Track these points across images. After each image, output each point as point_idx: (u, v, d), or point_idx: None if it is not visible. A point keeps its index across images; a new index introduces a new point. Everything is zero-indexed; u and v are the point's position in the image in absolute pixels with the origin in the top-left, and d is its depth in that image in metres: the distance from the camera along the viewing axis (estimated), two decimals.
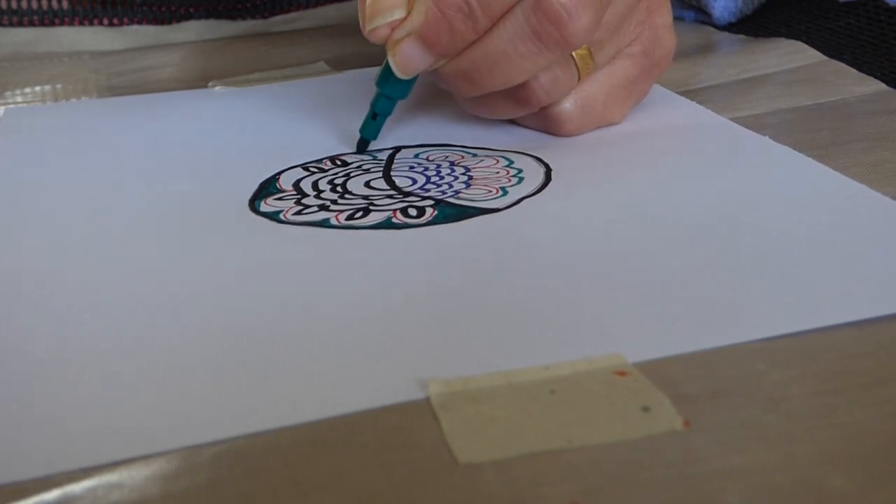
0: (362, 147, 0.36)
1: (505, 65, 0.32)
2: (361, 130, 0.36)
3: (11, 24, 0.57)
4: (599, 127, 0.37)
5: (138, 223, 0.31)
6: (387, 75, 0.34)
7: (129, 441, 0.20)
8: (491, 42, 0.31)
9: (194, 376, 0.22)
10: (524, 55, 0.31)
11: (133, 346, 0.24)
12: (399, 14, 0.32)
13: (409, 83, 0.34)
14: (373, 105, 0.36)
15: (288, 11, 0.60)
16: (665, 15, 0.37)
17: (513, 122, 0.38)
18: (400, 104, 0.36)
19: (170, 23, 0.58)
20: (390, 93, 0.35)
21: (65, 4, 0.58)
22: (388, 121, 0.36)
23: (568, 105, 0.35)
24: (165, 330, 0.25)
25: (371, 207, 0.31)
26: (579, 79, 0.34)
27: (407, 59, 0.32)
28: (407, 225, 0.30)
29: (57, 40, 0.57)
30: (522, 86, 0.33)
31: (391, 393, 0.21)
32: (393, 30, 0.32)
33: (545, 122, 0.36)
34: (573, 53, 0.33)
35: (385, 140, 0.37)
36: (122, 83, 0.50)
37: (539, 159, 0.35)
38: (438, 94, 0.41)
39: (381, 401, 0.21)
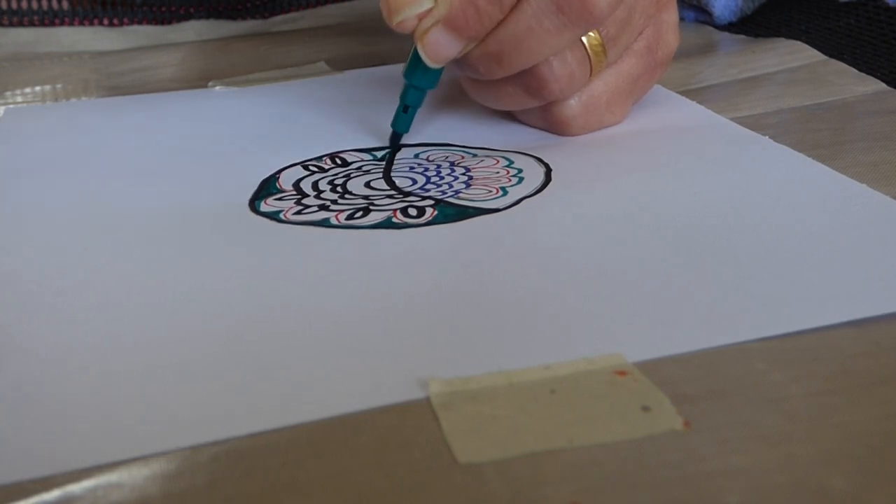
0: (395, 141, 0.36)
1: (531, 42, 0.32)
2: (393, 124, 0.36)
3: (11, 24, 0.57)
4: (602, 128, 0.37)
5: (138, 223, 0.31)
6: (415, 66, 0.34)
7: (129, 441, 0.20)
8: (516, 20, 0.32)
9: (194, 376, 0.22)
10: (549, 30, 0.32)
11: (133, 346, 0.24)
12: (427, 4, 0.32)
13: (437, 72, 0.34)
14: (402, 97, 0.36)
15: (288, 11, 0.60)
16: (672, 13, 0.37)
17: (516, 121, 0.38)
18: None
19: (170, 23, 0.58)
20: (419, 83, 0.35)
21: (65, 4, 0.58)
22: (388, 120, 0.36)
23: (572, 103, 0.35)
24: (165, 330, 0.25)
25: (371, 207, 0.31)
26: (590, 75, 0.34)
27: (436, 47, 0.33)
28: (407, 225, 0.30)
29: (57, 40, 0.57)
30: (537, 77, 0.34)
31: (391, 393, 0.21)
32: (420, 20, 0.33)
33: (549, 121, 0.36)
34: (588, 48, 0.33)
35: (386, 138, 0.37)
36: (122, 83, 0.50)
37: (539, 159, 0.35)
38: (439, 94, 0.41)
39: (381, 401, 0.21)
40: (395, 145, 0.37)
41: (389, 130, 0.37)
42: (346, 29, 0.58)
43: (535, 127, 0.38)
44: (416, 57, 0.33)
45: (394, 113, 0.36)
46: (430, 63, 0.33)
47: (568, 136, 0.36)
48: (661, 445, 0.19)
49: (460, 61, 0.34)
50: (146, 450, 0.20)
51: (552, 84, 0.34)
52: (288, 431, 0.20)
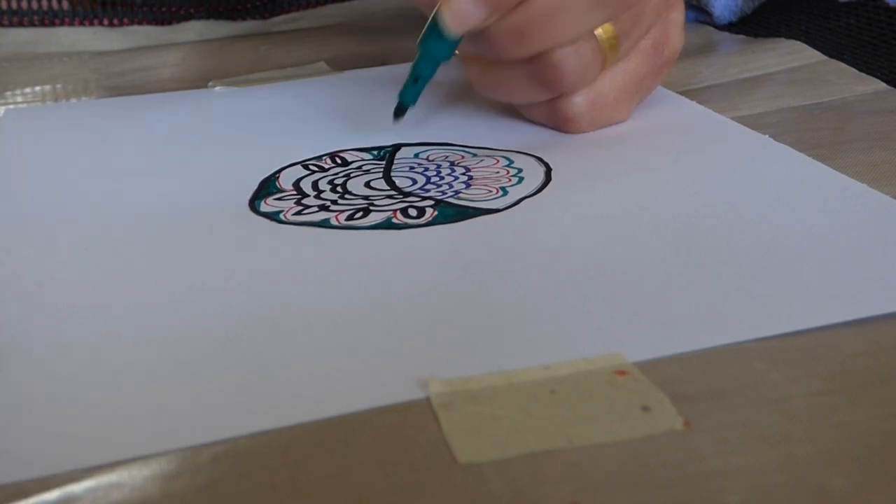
0: (400, 112, 0.35)
1: (560, 19, 0.31)
2: (401, 95, 0.35)
3: (11, 25, 0.57)
4: (608, 125, 0.37)
5: (138, 223, 0.31)
6: (431, 33, 0.33)
7: (129, 441, 0.20)
8: None
9: (194, 376, 0.22)
10: (581, 7, 0.31)
11: (133, 347, 0.24)
12: None
13: (454, 43, 0.33)
14: (414, 68, 0.34)
15: (288, 11, 0.60)
16: (679, 13, 0.37)
17: (516, 121, 0.38)
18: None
19: (170, 23, 0.58)
20: (435, 51, 0.33)
21: (65, 4, 0.58)
22: (388, 120, 0.36)
23: (579, 100, 0.35)
24: (165, 330, 0.25)
25: (371, 208, 0.31)
26: (602, 69, 0.34)
27: (460, 13, 0.31)
28: (407, 225, 0.30)
29: (57, 40, 0.57)
30: (553, 66, 0.33)
31: (391, 393, 0.21)
32: None
33: (556, 117, 0.36)
34: (601, 41, 0.33)
35: (385, 138, 0.37)
36: (122, 83, 0.50)
37: (539, 159, 0.35)
38: (440, 93, 0.41)
39: (381, 401, 0.21)
40: (401, 116, 0.35)
41: (389, 130, 0.37)
42: (346, 29, 0.58)
43: (539, 123, 0.37)
44: (435, 24, 0.32)
45: (393, 112, 0.36)
46: (451, 29, 0.31)
47: (573, 133, 0.36)
48: (661, 445, 0.19)
49: (477, 38, 0.33)
50: (146, 450, 0.20)
51: (567, 75, 0.33)
52: (288, 431, 0.20)
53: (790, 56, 0.45)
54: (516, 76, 0.34)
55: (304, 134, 0.39)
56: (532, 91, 0.35)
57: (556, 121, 0.36)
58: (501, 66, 0.35)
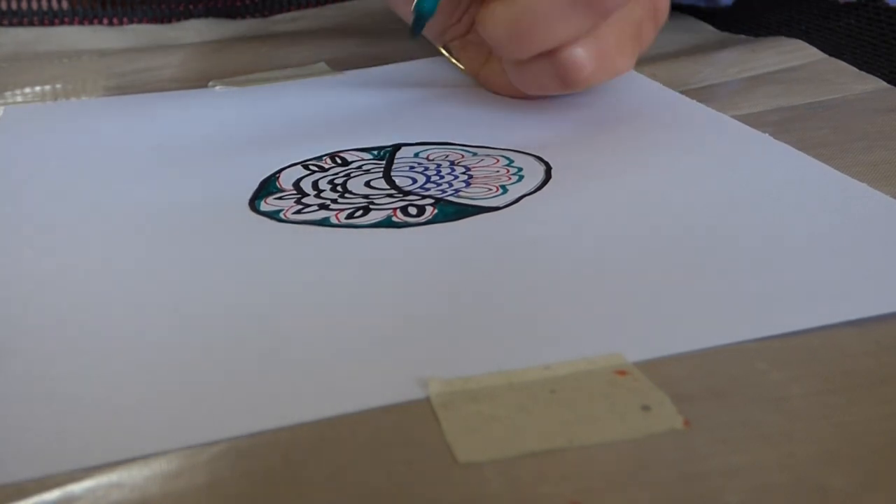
0: (420, 23, 0.33)
1: None
2: (417, 4, 0.33)
3: (11, 24, 0.57)
4: (613, 76, 0.36)
5: (138, 223, 0.31)
6: None
7: (129, 441, 0.20)
8: None
9: (194, 376, 0.22)
10: None
11: (133, 346, 0.24)
12: None
13: None
14: None
15: (287, 10, 0.60)
16: None
17: (516, 119, 0.38)
18: (398, 102, 0.35)
19: (170, 21, 0.58)
20: None
21: (65, 4, 0.58)
22: (388, 120, 0.36)
23: (580, 50, 0.35)
24: (165, 329, 0.25)
25: (371, 206, 0.31)
26: None
27: None
28: (407, 224, 0.30)
29: (57, 40, 0.57)
30: None
31: (391, 393, 0.21)
32: None
33: (561, 70, 0.35)
34: None
35: (385, 138, 0.37)
36: (122, 83, 0.50)
37: (539, 158, 0.35)
38: (440, 93, 0.41)
39: (381, 401, 0.21)
40: (419, 31, 0.33)
41: (389, 129, 0.37)
42: (346, 29, 0.58)
43: (544, 91, 0.37)
44: None
45: (396, 118, 0.35)
46: None
47: (579, 86, 0.36)
48: (661, 445, 0.19)
49: None
50: (146, 450, 0.20)
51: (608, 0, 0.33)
52: (288, 431, 0.20)
53: (790, 55, 0.45)
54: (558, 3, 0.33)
55: (304, 134, 0.39)
56: (574, 18, 0.34)
57: (562, 74, 0.36)
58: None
